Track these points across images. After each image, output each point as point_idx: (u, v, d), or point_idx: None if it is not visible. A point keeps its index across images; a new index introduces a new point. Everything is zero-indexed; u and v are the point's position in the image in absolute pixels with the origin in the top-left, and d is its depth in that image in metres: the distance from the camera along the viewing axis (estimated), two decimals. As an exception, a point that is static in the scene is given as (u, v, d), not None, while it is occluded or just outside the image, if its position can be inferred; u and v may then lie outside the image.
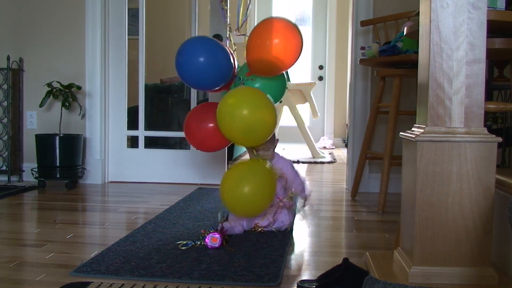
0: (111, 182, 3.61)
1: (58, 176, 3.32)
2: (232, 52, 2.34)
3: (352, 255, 1.88)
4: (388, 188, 2.81)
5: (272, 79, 2.30)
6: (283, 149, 5.55)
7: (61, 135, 3.34)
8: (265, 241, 2.08)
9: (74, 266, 1.75)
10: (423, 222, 1.53)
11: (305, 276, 1.74)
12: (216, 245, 1.98)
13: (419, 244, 1.53)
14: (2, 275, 1.69)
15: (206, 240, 1.99)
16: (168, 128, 4.33)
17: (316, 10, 7.05)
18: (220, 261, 1.82)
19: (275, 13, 6.94)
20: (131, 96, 3.70)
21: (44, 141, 3.33)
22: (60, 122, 3.39)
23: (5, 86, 3.49)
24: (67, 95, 3.39)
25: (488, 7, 1.52)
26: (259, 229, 2.23)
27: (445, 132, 1.52)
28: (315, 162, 5.10)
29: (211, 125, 2.28)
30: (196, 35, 3.59)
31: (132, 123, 3.67)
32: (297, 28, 2.20)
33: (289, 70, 2.48)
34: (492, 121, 2.73)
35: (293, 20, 2.25)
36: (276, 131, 2.76)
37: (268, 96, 2.15)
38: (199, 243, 2.00)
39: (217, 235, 1.99)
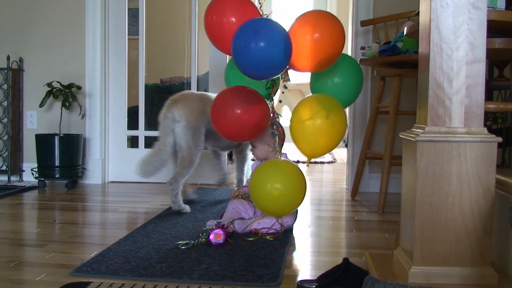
0: (111, 182, 3.61)
1: (58, 176, 3.32)
2: None
3: (352, 255, 1.88)
4: (388, 188, 2.81)
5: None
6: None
7: (61, 135, 3.34)
8: (265, 241, 2.08)
9: (74, 266, 1.75)
10: (423, 222, 1.53)
11: (305, 276, 1.74)
12: (221, 241, 1.99)
13: (419, 244, 1.53)
14: (2, 275, 1.69)
15: (210, 237, 2.00)
16: (168, 128, 4.32)
17: (316, 10, 7.03)
18: (220, 261, 1.82)
19: (275, 14, 6.93)
20: (131, 96, 3.70)
21: (44, 141, 3.33)
22: (60, 122, 3.39)
23: (5, 86, 3.49)
24: (67, 95, 3.39)
25: (488, 7, 1.52)
26: (268, 237, 2.16)
27: (445, 132, 1.52)
28: (315, 162, 5.10)
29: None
30: (196, 35, 3.59)
31: (132, 123, 3.67)
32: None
33: (289, 70, 2.46)
34: (492, 121, 2.73)
35: (293, 20, 2.24)
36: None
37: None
38: (202, 239, 2.00)
39: (220, 231, 2.00)
